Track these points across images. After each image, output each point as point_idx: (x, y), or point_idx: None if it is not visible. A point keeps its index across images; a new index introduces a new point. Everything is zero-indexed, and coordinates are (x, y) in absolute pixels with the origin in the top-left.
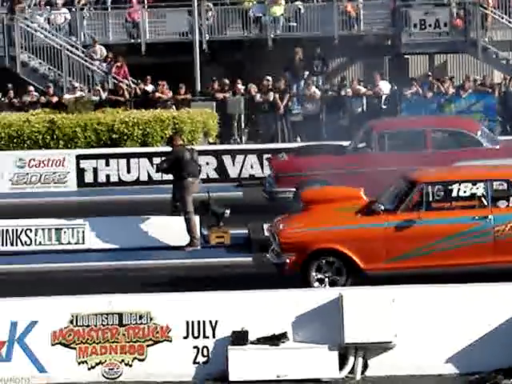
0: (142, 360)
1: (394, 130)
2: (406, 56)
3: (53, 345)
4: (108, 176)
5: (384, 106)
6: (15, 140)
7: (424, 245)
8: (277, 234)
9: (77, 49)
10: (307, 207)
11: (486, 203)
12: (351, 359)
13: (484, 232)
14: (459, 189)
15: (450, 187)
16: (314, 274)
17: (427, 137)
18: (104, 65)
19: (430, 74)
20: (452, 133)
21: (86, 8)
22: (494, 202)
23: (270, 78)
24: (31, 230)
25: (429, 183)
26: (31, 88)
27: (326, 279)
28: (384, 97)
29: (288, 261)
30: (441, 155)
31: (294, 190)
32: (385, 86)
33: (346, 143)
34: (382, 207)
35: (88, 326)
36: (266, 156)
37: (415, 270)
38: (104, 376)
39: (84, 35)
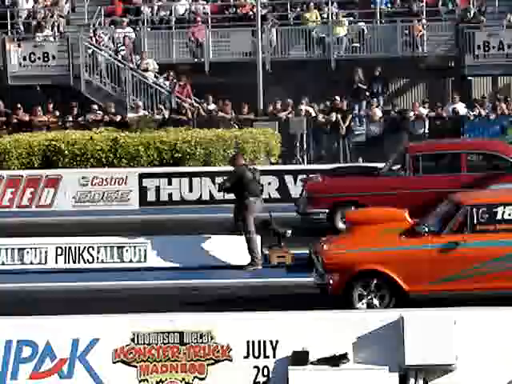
0: (203, 379)
1: (428, 153)
2: (469, 78)
3: (114, 362)
4: (170, 195)
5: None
6: (79, 158)
7: (468, 267)
8: (321, 254)
9: (138, 67)
10: (351, 228)
11: None
12: (412, 381)
13: None
14: (504, 211)
15: (494, 210)
16: (357, 295)
17: (462, 159)
18: (167, 83)
19: (486, 96)
20: (487, 156)
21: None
22: None
23: (332, 98)
24: (93, 248)
25: (474, 206)
26: (95, 106)
27: (369, 301)
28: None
29: (331, 281)
30: (475, 178)
31: (327, 211)
32: (460, 108)
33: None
34: (426, 229)
35: (149, 344)
36: None
37: (459, 292)
38: None
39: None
